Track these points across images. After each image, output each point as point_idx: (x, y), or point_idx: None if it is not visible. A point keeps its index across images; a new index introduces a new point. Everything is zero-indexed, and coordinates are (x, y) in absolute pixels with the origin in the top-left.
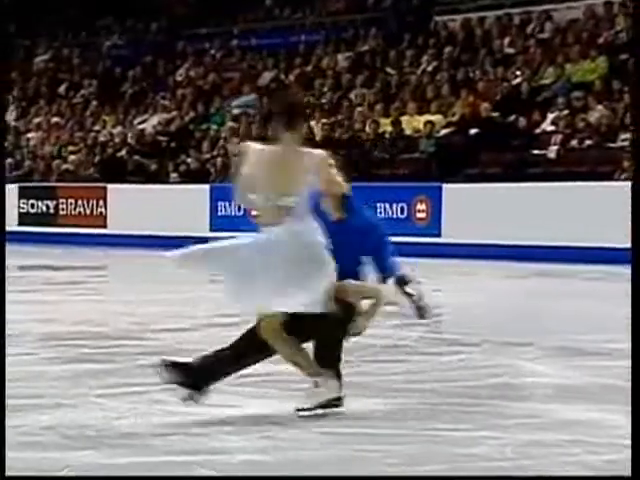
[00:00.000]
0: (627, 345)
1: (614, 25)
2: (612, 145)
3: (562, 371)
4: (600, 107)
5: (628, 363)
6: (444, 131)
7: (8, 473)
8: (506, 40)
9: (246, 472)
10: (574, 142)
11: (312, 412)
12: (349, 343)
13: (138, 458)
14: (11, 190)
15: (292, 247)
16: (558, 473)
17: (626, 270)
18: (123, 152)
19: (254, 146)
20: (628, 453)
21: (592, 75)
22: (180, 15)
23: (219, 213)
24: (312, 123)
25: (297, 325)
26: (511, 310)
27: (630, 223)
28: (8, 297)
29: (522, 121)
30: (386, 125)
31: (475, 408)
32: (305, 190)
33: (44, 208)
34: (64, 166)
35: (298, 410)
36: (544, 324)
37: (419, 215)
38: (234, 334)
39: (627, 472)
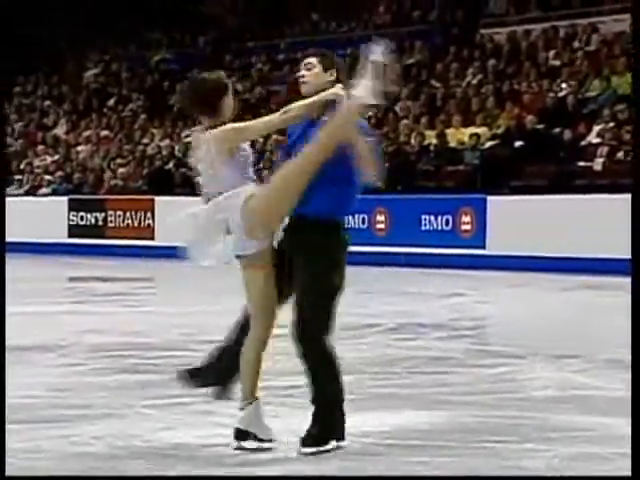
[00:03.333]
0: None
1: None
2: None
3: (611, 384)
4: None
5: None
6: (489, 143)
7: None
8: (552, 53)
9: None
10: (620, 154)
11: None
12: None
13: (187, 468)
14: (61, 202)
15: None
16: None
17: None
18: (171, 165)
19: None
20: None
21: None
22: (228, 29)
23: None
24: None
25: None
26: (558, 322)
27: (631, 233)
28: (59, 308)
29: (567, 133)
30: (431, 137)
31: (521, 421)
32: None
33: (93, 220)
34: (113, 179)
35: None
36: (593, 337)
37: (464, 227)
38: (278, 345)
39: None
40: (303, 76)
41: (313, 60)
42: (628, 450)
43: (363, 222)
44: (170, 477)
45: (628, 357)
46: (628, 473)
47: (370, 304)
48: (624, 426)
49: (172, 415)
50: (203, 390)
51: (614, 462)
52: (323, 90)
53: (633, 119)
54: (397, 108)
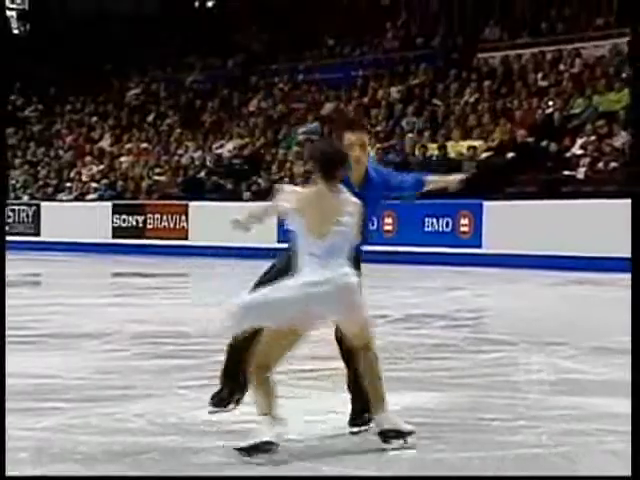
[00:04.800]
0: None
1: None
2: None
3: (595, 368)
4: (624, 133)
5: None
6: (485, 154)
7: (8, 473)
8: (540, 74)
9: (317, 455)
10: (600, 164)
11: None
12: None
13: (219, 442)
14: (106, 207)
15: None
16: (590, 458)
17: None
18: (202, 173)
19: (291, 187)
20: None
21: (617, 105)
22: (253, 53)
23: (285, 227)
24: (368, 148)
25: None
26: (548, 313)
27: (631, 233)
28: (102, 300)
29: (554, 146)
30: (433, 149)
31: (514, 401)
32: (338, 232)
33: (134, 222)
34: (151, 186)
35: (237, 449)
36: (579, 326)
37: (462, 229)
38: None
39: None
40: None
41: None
42: (610, 426)
43: (372, 224)
44: (170, 477)
45: (611, 344)
46: (612, 447)
47: (380, 297)
48: (607, 405)
49: (205, 395)
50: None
51: (598, 437)
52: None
53: (632, 120)
54: (403, 123)
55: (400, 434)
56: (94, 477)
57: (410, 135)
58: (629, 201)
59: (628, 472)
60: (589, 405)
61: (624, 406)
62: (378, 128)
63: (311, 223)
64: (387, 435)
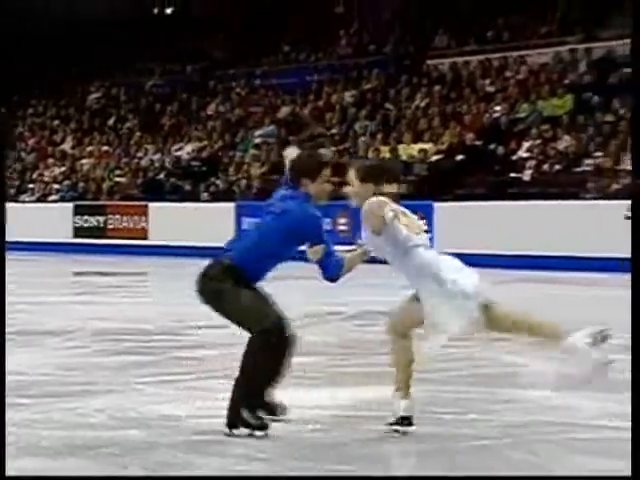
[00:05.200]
0: None
1: (578, 68)
2: (577, 169)
3: (538, 362)
4: (567, 137)
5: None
6: (435, 157)
7: (8, 473)
8: (487, 80)
9: (270, 445)
10: (545, 167)
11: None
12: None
13: (176, 437)
14: (67, 208)
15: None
16: (536, 448)
17: (594, 275)
18: (162, 175)
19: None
20: (600, 432)
21: (560, 110)
22: (212, 59)
23: (243, 227)
24: (322, 150)
25: None
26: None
27: (631, 233)
28: (64, 299)
29: (501, 149)
30: (385, 152)
31: (466, 395)
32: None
33: (95, 223)
34: (112, 187)
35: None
36: None
37: None
38: None
39: (597, 447)
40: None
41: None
42: (556, 418)
43: (328, 224)
44: (170, 477)
45: None
46: (558, 437)
47: (335, 295)
48: (553, 398)
49: (163, 391)
50: (191, 369)
51: (546, 428)
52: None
53: (632, 120)
54: (356, 127)
55: None
56: (94, 477)
57: (363, 138)
58: (571, 202)
59: (577, 461)
60: (535, 398)
61: (564, 398)
62: (333, 131)
63: (408, 224)
64: None
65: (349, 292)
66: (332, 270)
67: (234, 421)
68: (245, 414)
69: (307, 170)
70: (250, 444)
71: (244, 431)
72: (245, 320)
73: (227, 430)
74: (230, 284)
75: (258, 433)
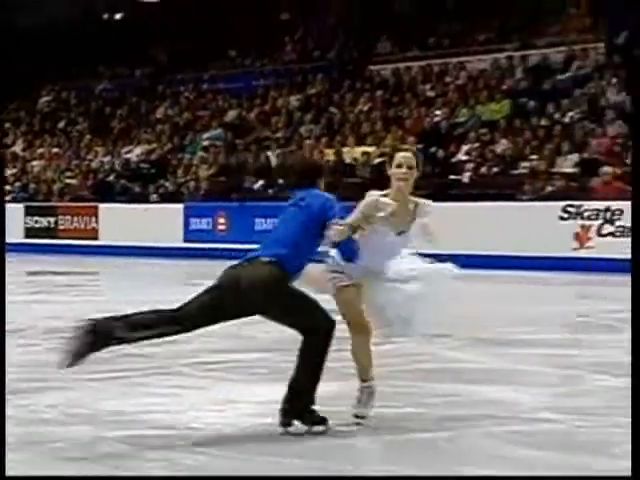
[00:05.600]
0: (531, 336)
1: (515, 74)
2: (514, 172)
3: (478, 358)
4: (504, 141)
5: (532, 350)
6: (378, 160)
7: (8, 473)
8: (428, 85)
9: (218, 443)
10: (484, 169)
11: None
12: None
13: (125, 432)
14: (18, 209)
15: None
16: (467, 441)
17: (532, 274)
18: (112, 177)
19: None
20: (534, 425)
21: (498, 115)
22: (160, 63)
23: (191, 227)
24: (269, 153)
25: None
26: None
27: (631, 231)
28: (19, 298)
29: (441, 152)
30: (330, 155)
31: (405, 389)
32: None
33: (46, 223)
34: (63, 189)
35: (356, 416)
36: (464, 319)
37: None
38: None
39: (524, 440)
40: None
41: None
42: (489, 412)
43: (273, 225)
44: (170, 477)
45: (492, 335)
46: (488, 430)
47: None
48: (486, 392)
49: (113, 387)
50: (139, 365)
51: (478, 421)
52: None
53: (632, 119)
54: (302, 130)
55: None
56: (95, 477)
57: (308, 141)
58: (508, 203)
59: (509, 453)
60: (470, 392)
61: (501, 392)
62: (278, 135)
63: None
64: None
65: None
66: (353, 251)
67: (293, 418)
68: (309, 410)
69: (319, 170)
70: (193, 438)
71: (301, 427)
72: (310, 320)
73: (282, 429)
74: (286, 286)
75: (319, 428)
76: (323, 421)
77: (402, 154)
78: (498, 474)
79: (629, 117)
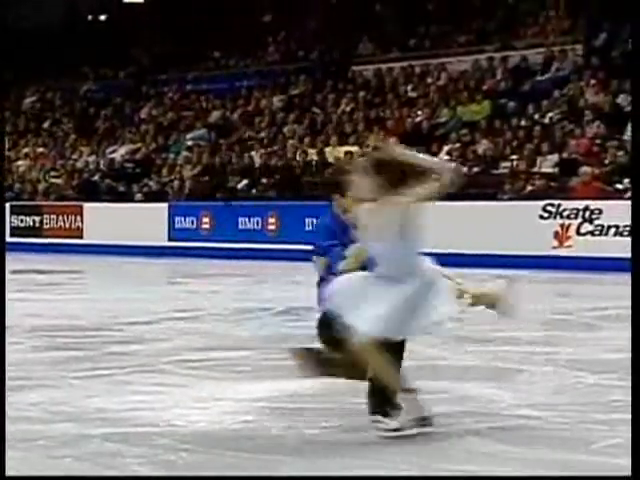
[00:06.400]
0: (511, 333)
1: (495, 75)
2: (495, 172)
3: (456, 355)
4: (485, 141)
5: (511, 347)
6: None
7: (9, 473)
8: (410, 86)
9: (202, 440)
10: (465, 169)
11: (402, 432)
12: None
13: (108, 429)
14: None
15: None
16: (447, 438)
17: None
18: (96, 176)
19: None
20: (514, 422)
21: (478, 115)
22: (145, 64)
23: (175, 226)
24: (253, 153)
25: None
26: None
27: (631, 231)
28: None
29: (423, 152)
30: (313, 154)
31: None
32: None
33: (31, 222)
34: (48, 188)
35: (389, 430)
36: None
37: None
38: (189, 326)
39: (503, 437)
40: None
41: None
42: (468, 408)
43: (257, 224)
44: (173, 477)
45: (472, 333)
46: (469, 427)
47: (266, 291)
48: (465, 389)
49: (96, 385)
50: (123, 363)
51: (459, 418)
52: None
53: (632, 119)
54: (285, 130)
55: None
56: (94, 477)
57: (291, 141)
58: (490, 203)
59: (489, 449)
60: (450, 389)
61: (481, 389)
62: (262, 135)
63: None
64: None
65: (276, 289)
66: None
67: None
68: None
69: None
70: (176, 435)
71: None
72: None
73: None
74: None
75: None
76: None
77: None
78: (478, 470)
79: (608, 118)
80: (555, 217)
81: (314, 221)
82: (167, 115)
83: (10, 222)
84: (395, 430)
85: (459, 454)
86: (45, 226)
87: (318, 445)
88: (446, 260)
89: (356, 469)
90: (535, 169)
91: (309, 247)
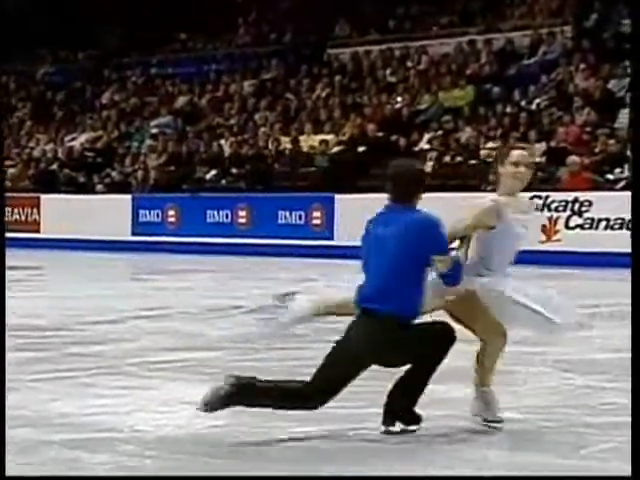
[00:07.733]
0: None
1: (479, 59)
2: (477, 161)
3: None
4: (468, 129)
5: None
6: (336, 148)
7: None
8: (388, 70)
9: (168, 445)
10: (447, 158)
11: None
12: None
13: (70, 435)
14: None
15: None
16: (428, 441)
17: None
18: (55, 166)
19: None
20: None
21: (461, 101)
22: (106, 46)
23: (140, 220)
24: (222, 141)
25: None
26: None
27: (631, 231)
28: None
29: (403, 140)
30: (286, 143)
31: (367, 388)
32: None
33: None
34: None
35: (486, 421)
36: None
37: (315, 221)
38: (155, 325)
39: (486, 440)
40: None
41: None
42: (450, 411)
43: (227, 217)
44: (168, 477)
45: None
46: (445, 431)
47: (237, 288)
48: (451, 390)
49: (58, 387)
50: (85, 365)
51: (436, 421)
52: None
53: (632, 119)
54: (256, 117)
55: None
56: (94, 477)
57: (263, 129)
58: (472, 194)
59: (470, 453)
60: (430, 391)
61: (464, 390)
62: (231, 122)
63: None
64: None
65: (246, 286)
66: (457, 278)
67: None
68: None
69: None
70: (141, 440)
71: (399, 425)
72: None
73: (383, 428)
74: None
75: (414, 427)
76: (418, 419)
77: (519, 152)
78: (457, 475)
79: (599, 104)
80: (542, 210)
81: (286, 215)
82: (130, 101)
83: None
84: None
85: (444, 460)
86: None
87: (291, 451)
88: None
89: (333, 473)
90: None
91: (281, 242)
